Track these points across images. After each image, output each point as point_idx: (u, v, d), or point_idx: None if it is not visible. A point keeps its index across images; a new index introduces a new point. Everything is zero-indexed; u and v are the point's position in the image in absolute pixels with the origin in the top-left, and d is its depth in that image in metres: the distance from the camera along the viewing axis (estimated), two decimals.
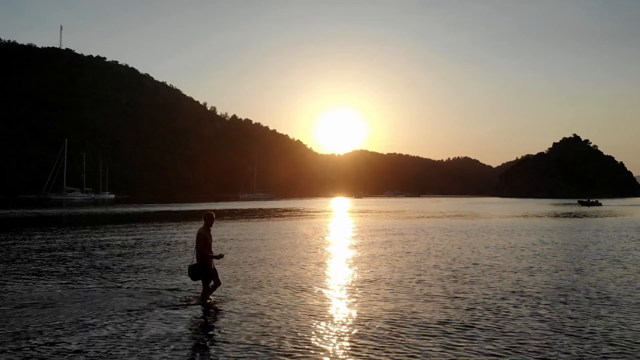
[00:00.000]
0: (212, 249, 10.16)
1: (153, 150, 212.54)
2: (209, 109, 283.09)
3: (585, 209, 72.19)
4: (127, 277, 13.03)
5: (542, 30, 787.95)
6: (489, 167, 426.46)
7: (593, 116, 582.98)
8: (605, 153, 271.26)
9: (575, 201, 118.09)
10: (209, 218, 10.18)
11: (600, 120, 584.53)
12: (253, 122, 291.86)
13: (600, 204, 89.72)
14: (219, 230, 28.48)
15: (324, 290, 11.39)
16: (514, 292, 11.27)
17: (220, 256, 10.07)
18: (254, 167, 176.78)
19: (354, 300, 10.44)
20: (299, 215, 48.80)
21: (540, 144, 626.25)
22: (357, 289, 11.58)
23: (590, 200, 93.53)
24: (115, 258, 16.82)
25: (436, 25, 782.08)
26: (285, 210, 62.53)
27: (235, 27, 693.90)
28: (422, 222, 37.74)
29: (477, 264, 15.66)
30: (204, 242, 9.84)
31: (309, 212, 57.90)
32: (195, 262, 9.93)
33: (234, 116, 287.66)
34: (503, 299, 10.56)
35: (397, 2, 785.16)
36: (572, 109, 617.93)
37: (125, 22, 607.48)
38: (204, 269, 9.87)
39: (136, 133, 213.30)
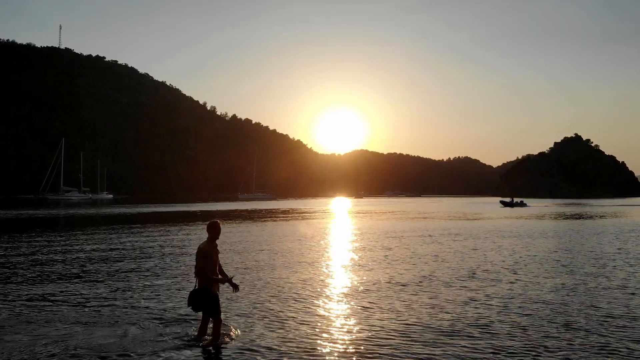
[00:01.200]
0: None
1: (153, 150, 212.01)
2: (208, 108, 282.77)
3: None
4: (66, 302, 10.64)
5: (542, 30, 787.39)
6: (490, 167, 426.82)
7: (594, 116, 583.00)
8: (607, 153, 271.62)
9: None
10: (213, 229, 7.65)
11: (601, 120, 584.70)
12: (253, 122, 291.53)
13: (525, 205, 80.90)
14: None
15: (329, 328, 9.26)
16: (559, 325, 9.03)
17: (228, 280, 7.69)
18: (254, 167, 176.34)
19: (358, 342, 8.21)
20: (298, 217, 46.92)
21: (541, 144, 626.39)
22: (359, 329, 8.85)
23: (514, 201, 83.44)
24: (69, 276, 13.94)
25: (436, 25, 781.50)
26: (284, 211, 60.81)
27: (235, 27, 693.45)
28: (426, 225, 36.14)
29: (499, 280, 13.44)
30: (205, 260, 7.44)
31: (309, 213, 56.14)
32: (197, 288, 7.65)
33: (234, 116, 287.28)
34: (552, 337, 8.34)
35: (397, 2, 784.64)
36: (573, 109, 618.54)
37: (125, 21, 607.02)
38: (207, 296, 7.53)
39: (136, 133, 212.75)
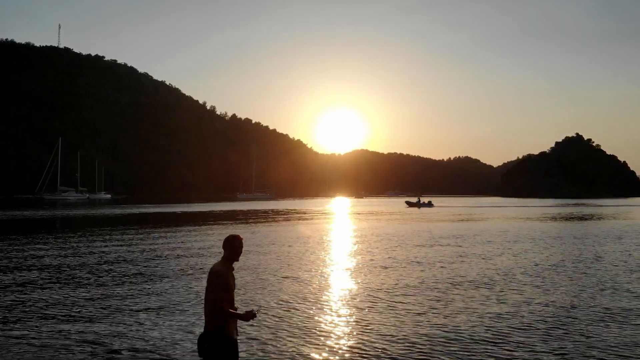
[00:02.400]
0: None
1: (153, 150, 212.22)
2: (208, 108, 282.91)
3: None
4: None
5: (542, 30, 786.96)
6: (490, 166, 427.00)
7: (594, 116, 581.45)
8: (608, 152, 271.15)
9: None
10: (232, 246, 5.37)
11: (602, 120, 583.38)
12: (253, 122, 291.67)
13: (432, 205, 78.09)
14: (205, 240, 25.20)
15: None
16: None
17: (251, 315, 5.31)
18: (253, 167, 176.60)
19: None
20: (295, 219, 46.07)
21: (542, 144, 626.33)
22: None
23: (421, 202, 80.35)
24: None
25: (436, 25, 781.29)
26: (282, 212, 60.18)
27: (235, 27, 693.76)
28: (430, 227, 35.02)
29: (530, 303, 10.80)
30: (224, 289, 5.22)
31: (307, 214, 55.51)
32: (208, 329, 5.30)
33: (234, 116, 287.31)
34: None
35: (397, 2, 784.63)
36: (573, 109, 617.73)
37: (125, 21, 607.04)
38: (222, 339, 5.22)
39: (136, 133, 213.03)
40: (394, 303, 10.98)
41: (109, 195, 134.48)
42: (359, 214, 57.94)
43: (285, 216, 50.07)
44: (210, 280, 5.24)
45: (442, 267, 16.16)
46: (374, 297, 11.70)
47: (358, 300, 11.42)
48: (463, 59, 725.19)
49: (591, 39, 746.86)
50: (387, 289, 12.59)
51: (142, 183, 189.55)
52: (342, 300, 11.41)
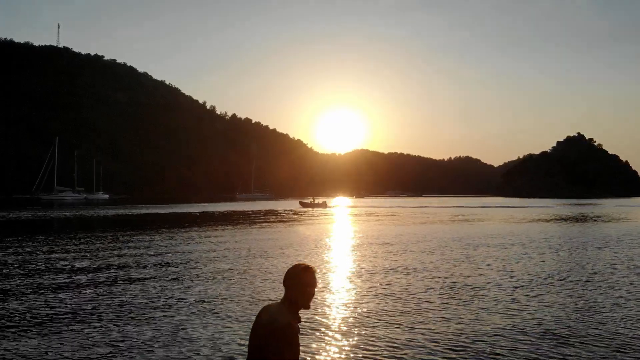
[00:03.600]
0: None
1: (152, 150, 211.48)
2: (208, 108, 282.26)
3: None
4: None
5: (542, 30, 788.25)
6: (491, 166, 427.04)
7: (595, 116, 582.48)
8: (611, 152, 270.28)
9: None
10: (301, 283, 3.47)
11: (604, 120, 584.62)
12: (253, 122, 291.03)
13: (326, 205, 79.07)
14: (200, 244, 23.32)
15: None
16: None
17: None
18: (252, 166, 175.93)
19: None
20: (294, 220, 44.10)
21: (543, 143, 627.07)
22: None
23: (315, 201, 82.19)
24: None
25: (436, 25, 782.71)
26: (279, 213, 58.28)
27: (235, 27, 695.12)
28: (434, 230, 33.06)
29: (580, 339, 7.98)
30: (294, 352, 3.40)
31: (305, 215, 53.66)
32: None
33: (234, 115, 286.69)
34: None
35: (397, 2, 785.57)
36: (573, 109, 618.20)
37: (125, 21, 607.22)
38: None
39: (136, 133, 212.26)
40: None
41: (106, 195, 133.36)
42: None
43: (281, 217, 48.79)
44: (276, 336, 3.36)
45: (456, 283, 13.79)
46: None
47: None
48: (463, 59, 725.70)
49: (591, 39, 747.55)
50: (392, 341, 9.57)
51: (142, 183, 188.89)
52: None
